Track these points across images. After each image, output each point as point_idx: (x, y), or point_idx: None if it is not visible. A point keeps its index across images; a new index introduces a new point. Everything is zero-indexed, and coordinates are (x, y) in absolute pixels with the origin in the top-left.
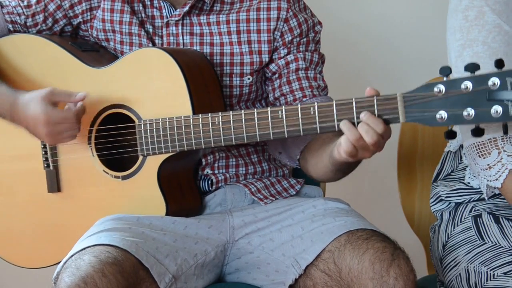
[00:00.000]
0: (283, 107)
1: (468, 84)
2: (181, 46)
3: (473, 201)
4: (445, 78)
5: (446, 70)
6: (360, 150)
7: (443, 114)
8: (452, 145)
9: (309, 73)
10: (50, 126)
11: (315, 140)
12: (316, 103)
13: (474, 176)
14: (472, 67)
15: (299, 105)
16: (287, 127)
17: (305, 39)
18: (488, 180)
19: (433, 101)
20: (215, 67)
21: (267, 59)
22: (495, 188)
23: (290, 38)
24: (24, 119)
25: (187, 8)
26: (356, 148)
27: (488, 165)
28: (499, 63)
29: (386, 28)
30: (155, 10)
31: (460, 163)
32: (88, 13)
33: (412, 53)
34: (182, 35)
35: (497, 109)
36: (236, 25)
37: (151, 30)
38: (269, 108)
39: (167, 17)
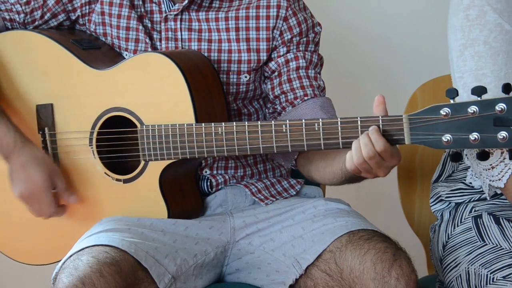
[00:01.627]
0: (287, 121)
1: (475, 109)
2: (179, 42)
3: (473, 201)
4: (451, 101)
5: (452, 93)
6: (363, 172)
7: (448, 137)
8: None
9: (309, 72)
10: (32, 196)
11: None
12: (320, 120)
13: (476, 177)
14: (479, 91)
15: (303, 120)
16: (291, 142)
17: (305, 39)
18: (490, 180)
19: (439, 124)
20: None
21: (265, 58)
22: (497, 188)
23: (289, 36)
24: (19, 166)
25: (186, 2)
26: (359, 170)
27: (490, 165)
28: (507, 88)
29: (385, 29)
30: (154, 5)
31: (460, 164)
32: (87, 7)
33: (411, 54)
34: (181, 31)
35: (503, 134)
36: (235, 22)
37: (149, 25)
38: (273, 122)
39: (165, 12)
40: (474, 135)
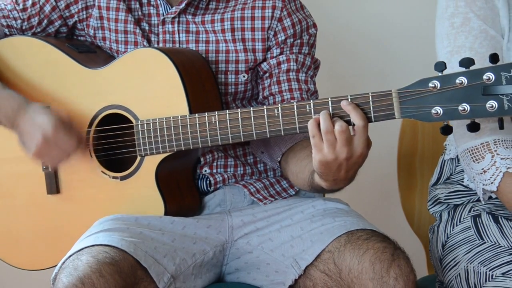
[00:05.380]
0: (279, 105)
1: (463, 79)
2: (177, 44)
3: (472, 202)
4: (439, 74)
5: (441, 66)
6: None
7: (438, 109)
8: (451, 152)
9: (300, 75)
10: (48, 140)
11: (302, 147)
12: (311, 101)
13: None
14: (467, 62)
15: (294, 103)
16: (284, 125)
17: (298, 41)
18: (483, 184)
19: (428, 97)
20: (210, 65)
21: (261, 58)
22: (491, 192)
23: (283, 38)
24: (26, 122)
25: (183, 5)
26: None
27: (482, 169)
28: (494, 58)
29: (384, 29)
30: (151, 8)
31: (457, 166)
32: (84, 12)
33: (410, 54)
34: (178, 33)
35: (492, 103)
36: (231, 23)
37: (147, 28)
38: (265, 107)
39: (163, 15)
40: (463, 106)
